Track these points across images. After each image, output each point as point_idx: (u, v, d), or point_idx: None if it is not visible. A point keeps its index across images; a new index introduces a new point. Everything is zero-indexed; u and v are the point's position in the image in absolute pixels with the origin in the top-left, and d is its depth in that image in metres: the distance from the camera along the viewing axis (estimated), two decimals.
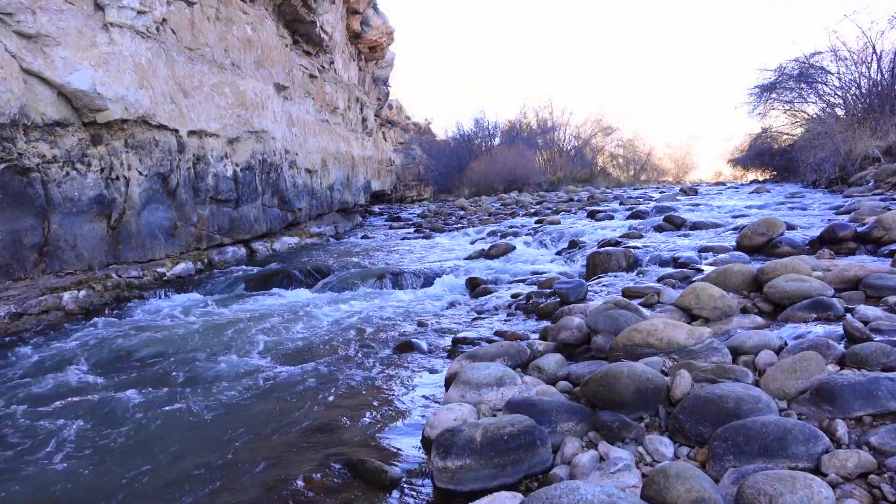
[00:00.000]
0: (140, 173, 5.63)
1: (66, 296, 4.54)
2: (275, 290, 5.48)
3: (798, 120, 18.76)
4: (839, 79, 15.99)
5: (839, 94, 16.11)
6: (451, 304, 4.55)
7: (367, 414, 2.43)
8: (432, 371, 2.95)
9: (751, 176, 23.93)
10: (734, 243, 4.70)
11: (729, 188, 17.20)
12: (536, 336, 3.10)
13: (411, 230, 11.06)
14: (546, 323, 3.36)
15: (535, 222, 9.50)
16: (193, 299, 5.25)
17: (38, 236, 4.66)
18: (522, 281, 5.00)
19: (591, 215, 9.53)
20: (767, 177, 21.63)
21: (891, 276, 2.68)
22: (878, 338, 2.04)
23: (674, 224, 6.80)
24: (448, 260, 6.56)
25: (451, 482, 1.66)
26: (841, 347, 2.00)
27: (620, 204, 11.68)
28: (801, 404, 1.73)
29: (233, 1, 7.29)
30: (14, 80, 4.36)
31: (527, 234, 8.02)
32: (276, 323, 4.11)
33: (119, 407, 2.60)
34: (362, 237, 10.41)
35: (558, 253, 6.36)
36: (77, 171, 4.96)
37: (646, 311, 2.78)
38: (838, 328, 2.21)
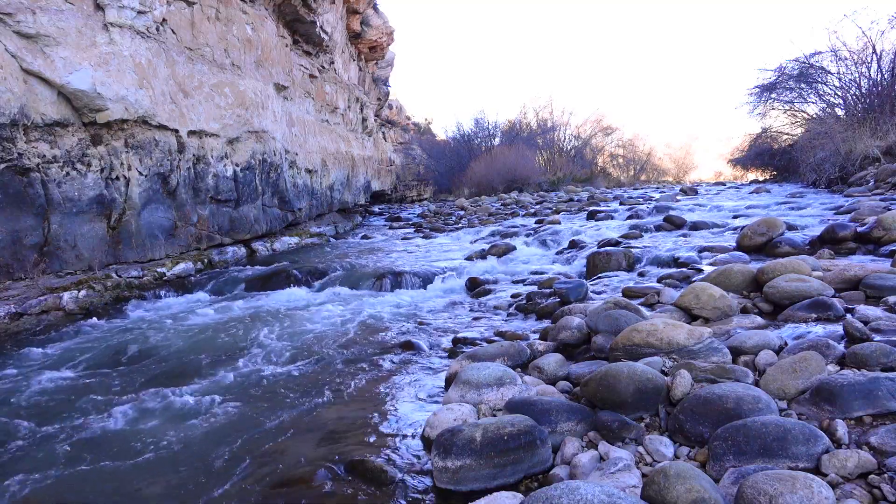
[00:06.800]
0: (140, 173, 5.63)
1: (66, 296, 4.54)
2: (275, 290, 5.48)
3: (798, 120, 18.75)
4: (839, 79, 15.99)
5: (839, 94, 16.10)
6: (451, 304, 4.54)
7: (367, 414, 2.43)
8: (432, 371, 2.95)
9: (751, 176, 23.90)
10: (734, 243, 4.70)
11: (729, 188, 17.15)
12: (536, 336, 3.10)
13: (411, 230, 11.05)
14: (546, 323, 3.36)
15: (535, 222, 9.49)
16: (193, 299, 5.25)
17: (38, 236, 4.66)
18: (522, 281, 5.00)
19: (591, 215, 9.51)
20: (767, 177, 21.60)
21: (891, 276, 2.68)
22: (878, 338, 2.04)
23: (674, 224, 6.80)
24: (448, 260, 6.56)
25: (451, 482, 1.66)
26: (841, 347, 2.00)
27: (620, 204, 11.65)
28: (801, 404, 1.73)
29: (233, 1, 7.29)
30: (14, 80, 4.36)
31: (527, 235, 8.01)
32: (275, 323, 4.11)
33: (118, 407, 2.60)
34: (362, 237, 10.40)
35: (558, 253, 6.35)
36: (77, 171, 4.96)
37: (646, 311, 2.78)
38: (838, 328, 2.21)
